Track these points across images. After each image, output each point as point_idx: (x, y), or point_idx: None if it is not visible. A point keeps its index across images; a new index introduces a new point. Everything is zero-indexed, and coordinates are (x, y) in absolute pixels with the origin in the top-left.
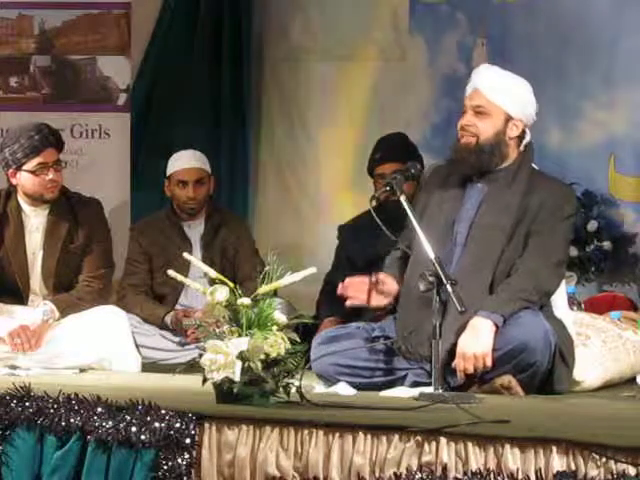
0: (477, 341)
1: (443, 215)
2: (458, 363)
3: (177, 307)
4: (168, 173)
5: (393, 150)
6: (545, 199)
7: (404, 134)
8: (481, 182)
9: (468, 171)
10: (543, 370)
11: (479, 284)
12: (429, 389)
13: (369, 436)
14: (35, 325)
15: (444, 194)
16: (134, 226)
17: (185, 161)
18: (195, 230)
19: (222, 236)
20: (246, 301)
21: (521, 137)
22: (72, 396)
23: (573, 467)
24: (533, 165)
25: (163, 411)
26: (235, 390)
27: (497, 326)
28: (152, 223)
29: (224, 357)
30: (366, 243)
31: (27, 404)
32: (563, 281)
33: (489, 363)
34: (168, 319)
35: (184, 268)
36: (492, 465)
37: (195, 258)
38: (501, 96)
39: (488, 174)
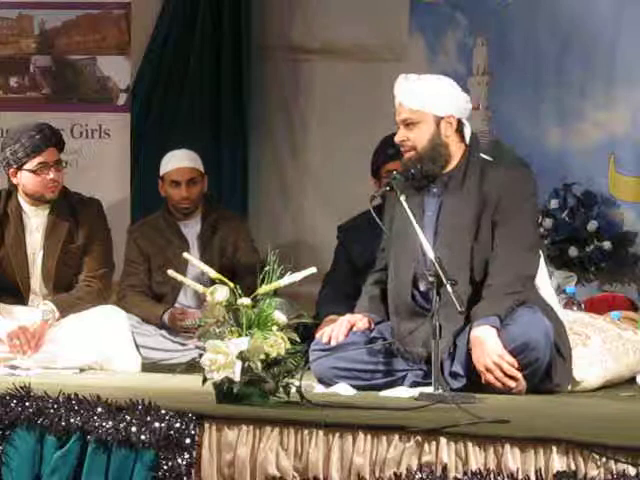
0: (486, 349)
1: (407, 228)
2: (487, 379)
3: (176, 306)
4: (161, 173)
5: None
6: (502, 186)
7: None
8: (436, 188)
9: (418, 182)
10: (544, 366)
11: (456, 287)
12: (429, 389)
13: (369, 436)
14: (35, 325)
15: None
16: (131, 228)
17: (177, 161)
18: (192, 229)
19: (220, 234)
20: (246, 301)
21: (461, 130)
22: (72, 396)
23: (573, 467)
24: (483, 155)
25: (163, 411)
26: (235, 390)
27: (497, 328)
28: (149, 224)
29: (224, 357)
30: (366, 243)
31: (27, 404)
32: (543, 266)
33: (509, 359)
34: (166, 317)
35: (182, 268)
36: (492, 465)
37: (194, 258)
38: (422, 101)
39: (440, 178)
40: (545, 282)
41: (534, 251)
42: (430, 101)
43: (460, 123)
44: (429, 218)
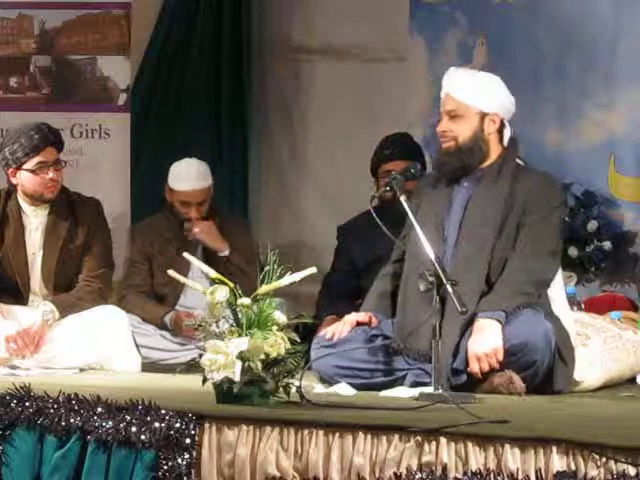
0: (485, 340)
1: (433, 218)
2: (472, 366)
3: (177, 308)
4: (170, 185)
5: (402, 148)
6: (531, 191)
7: (409, 134)
8: (467, 182)
9: (453, 173)
10: (544, 369)
11: (473, 282)
12: (429, 389)
13: (369, 436)
14: (35, 325)
15: (433, 198)
16: (134, 227)
17: (190, 181)
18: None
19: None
20: (246, 301)
21: (502, 131)
22: (72, 396)
23: (573, 467)
24: (518, 161)
25: (163, 411)
26: (235, 390)
27: (501, 323)
28: (151, 224)
29: (224, 357)
30: (366, 243)
31: (27, 404)
32: (561, 278)
33: (501, 357)
34: (167, 319)
35: (184, 268)
36: (492, 465)
37: (195, 258)
38: (471, 95)
39: (473, 173)
40: (561, 295)
41: (553, 258)
42: (478, 96)
43: (502, 124)
44: (455, 212)
